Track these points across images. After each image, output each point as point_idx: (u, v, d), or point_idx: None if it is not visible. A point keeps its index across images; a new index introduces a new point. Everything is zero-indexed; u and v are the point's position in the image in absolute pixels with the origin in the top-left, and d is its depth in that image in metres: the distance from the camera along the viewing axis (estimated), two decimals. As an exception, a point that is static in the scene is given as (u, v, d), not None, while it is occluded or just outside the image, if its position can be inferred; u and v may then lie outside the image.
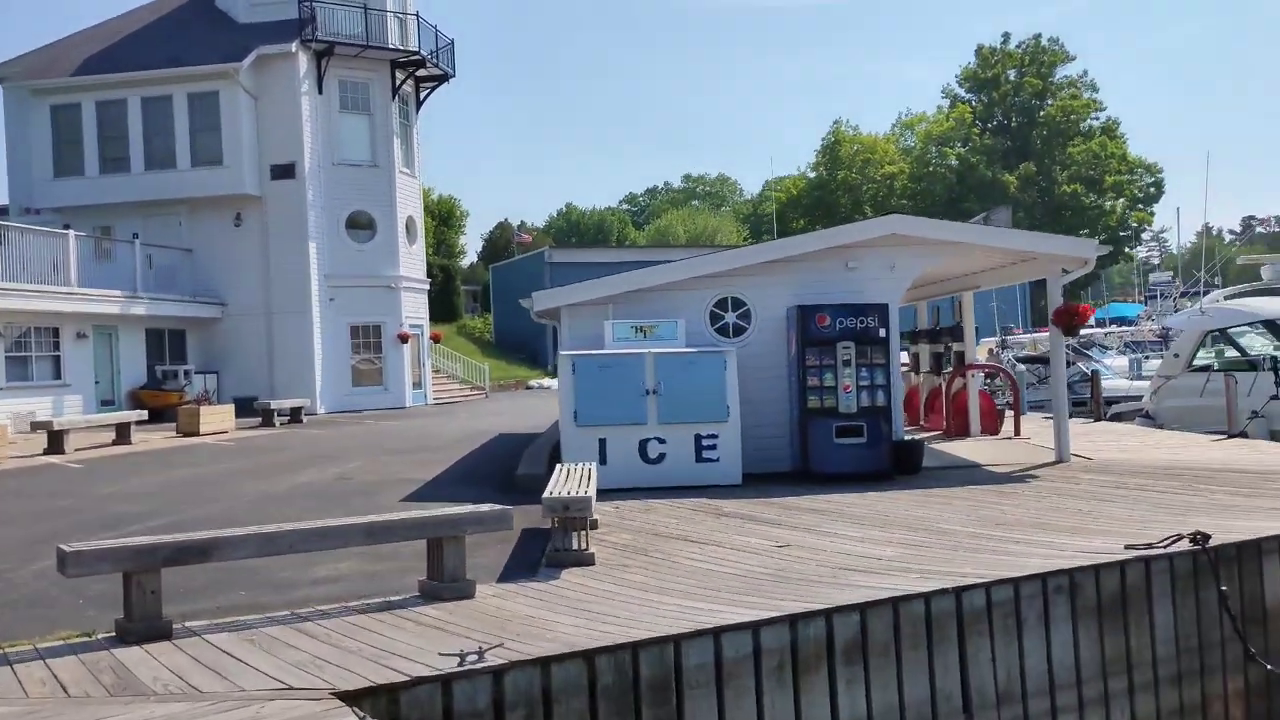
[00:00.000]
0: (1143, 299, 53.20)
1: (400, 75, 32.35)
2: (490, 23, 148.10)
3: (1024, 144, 73.42)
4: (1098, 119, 75.16)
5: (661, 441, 12.82)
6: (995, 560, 7.92)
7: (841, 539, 9.22)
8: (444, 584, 7.48)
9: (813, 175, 75.61)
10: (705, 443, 12.86)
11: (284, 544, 7.03)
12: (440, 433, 22.41)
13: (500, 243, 77.07)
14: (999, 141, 73.59)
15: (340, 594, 7.73)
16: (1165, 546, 7.89)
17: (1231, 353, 18.71)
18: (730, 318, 13.99)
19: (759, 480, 12.93)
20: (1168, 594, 7.78)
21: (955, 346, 17.62)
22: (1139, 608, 7.67)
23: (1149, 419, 19.79)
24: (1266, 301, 18.02)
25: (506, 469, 15.18)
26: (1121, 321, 44.70)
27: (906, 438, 13.48)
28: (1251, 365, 17.37)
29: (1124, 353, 33.74)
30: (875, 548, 8.73)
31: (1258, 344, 18.68)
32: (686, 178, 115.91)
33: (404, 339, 31.80)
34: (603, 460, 12.72)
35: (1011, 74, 74.66)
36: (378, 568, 8.65)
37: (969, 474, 13.27)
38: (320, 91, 30.87)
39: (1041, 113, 74.15)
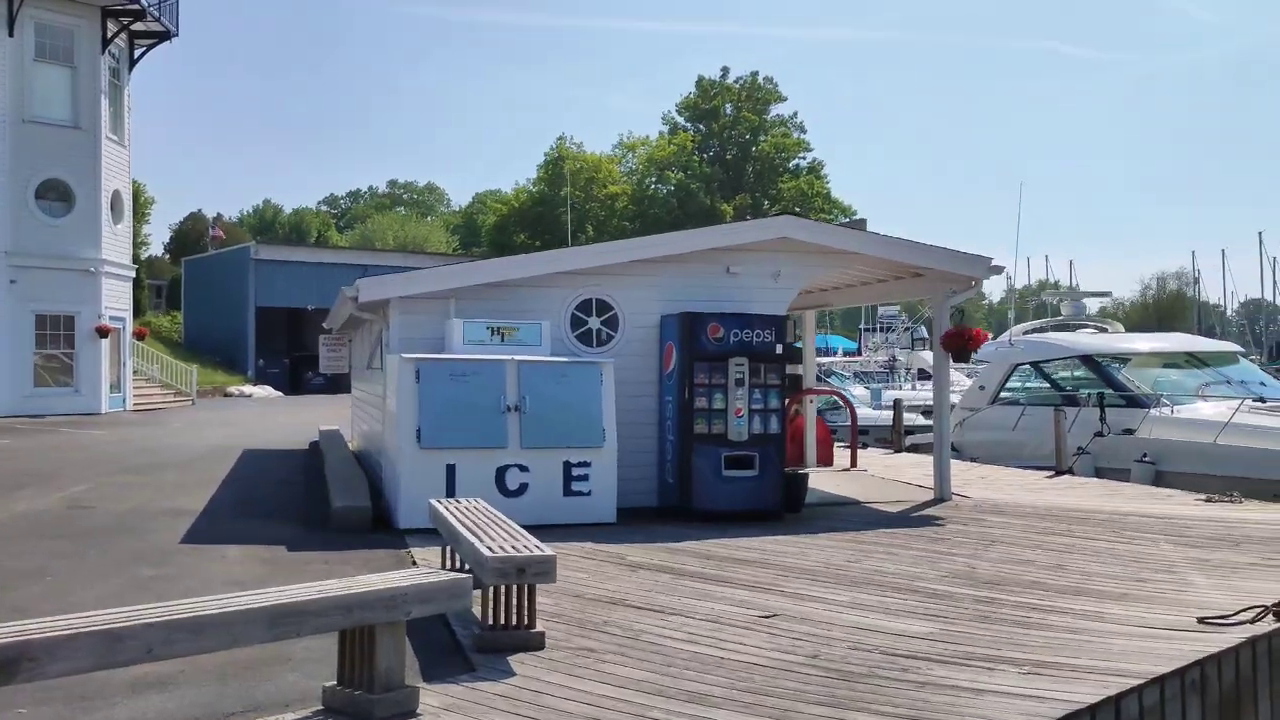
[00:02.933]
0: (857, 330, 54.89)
1: (113, 26, 27.70)
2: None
3: (739, 176, 75.24)
4: (804, 159, 78.26)
5: (524, 470, 10.45)
6: (1074, 642, 6.24)
7: (828, 605, 7.29)
8: (374, 694, 4.93)
9: (534, 190, 74.02)
10: (576, 472, 10.61)
11: (136, 648, 4.25)
12: (167, 447, 18.66)
13: (192, 236, 70.40)
14: (716, 171, 75.00)
15: (188, 709, 5.02)
16: (1254, 620, 6.50)
17: (1041, 386, 18.44)
18: (594, 323, 11.80)
19: (632, 518, 10.82)
20: (1268, 679, 6.38)
21: (790, 369, 16.20)
22: (1248, 700, 6.21)
23: (955, 452, 19.22)
24: (1083, 337, 17.91)
25: (303, 499, 12.26)
26: (829, 352, 45.73)
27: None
28: (1070, 400, 17.04)
29: (859, 382, 34.11)
30: (888, 619, 6.87)
31: (1070, 379, 18.51)
32: (392, 183, 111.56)
33: (104, 333, 27.10)
34: (450, 491, 10.21)
35: (729, 108, 76.40)
36: (232, 659, 5.84)
37: (860, 513, 11.76)
38: (10, 34, 25.83)
39: (755, 148, 76.26)
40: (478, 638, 6.17)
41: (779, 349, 11.30)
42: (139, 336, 31.18)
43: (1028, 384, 19.03)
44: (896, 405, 19.94)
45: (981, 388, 19.33)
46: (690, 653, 6.09)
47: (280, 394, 43.34)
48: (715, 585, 7.94)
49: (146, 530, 10.07)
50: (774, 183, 74.99)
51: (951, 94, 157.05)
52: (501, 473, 10.39)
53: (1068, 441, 15.90)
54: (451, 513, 7.64)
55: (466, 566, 7.67)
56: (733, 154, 76.60)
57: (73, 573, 8.19)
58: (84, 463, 15.90)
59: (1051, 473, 15.45)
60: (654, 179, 74.89)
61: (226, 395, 41.44)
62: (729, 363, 11.10)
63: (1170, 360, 17.68)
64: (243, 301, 47.80)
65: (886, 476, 14.97)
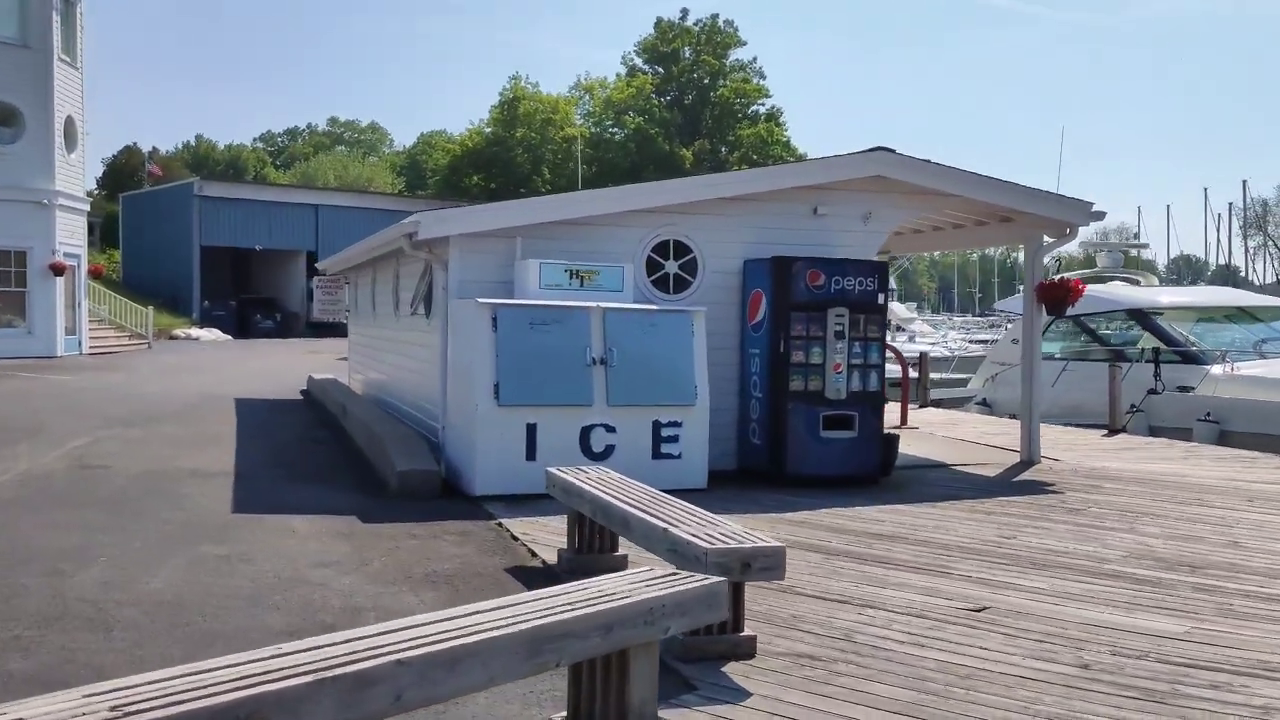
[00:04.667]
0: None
1: (64, -63, 25.58)
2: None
3: (697, 121, 73.77)
4: (764, 106, 76.97)
5: (610, 430, 9.32)
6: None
7: (1029, 593, 6.32)
8: (628, 733, 3.85)
9: (488, 131, 71.84)
10: (666, 433, 9.51)
11: (384, 695, 3.10)
12: (146, 395, 17.19)
13: (126, 171, 67.32)
14: (675, 116, 73.49)
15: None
16: None
17: (1085, 342, 17.64)
18: (672, 266, 10.65)
19: (719, 482, 9.77)
20: None
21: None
22: None
23: (985, 406, 18.46)
24: (1127, 289, 17.09)
25: (344, 459, 11.09)
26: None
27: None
28: (1118, 356, 16.27)
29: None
30: (1118, 613, 5.93)
31: (1116, 334, 17.74)
32: (333, 121, 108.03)
33: (58, 270, 25.23)
34: (530, 454, 9.09)
35: (688, 51, 74.74)
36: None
37: (954, 477, 10.83)
38: (-47, -58, 23.67)
39: (714, 93, 74.78)
40: (680, 644, 5.09)
41: (881, 298, 10.26)
42: (94, 275, 29.26)
43: (1067, 339, 18.23)
44: (924, 358, 19.09)
45: (1015, 341, 18.45)
46: (934, 661, 5.07)
47: (229, 337, 41.49)
48: (877, 567, 6.94)
49: (181, 496, 8.80)
50: (732, 129, 73.69)
51: (909, 45, 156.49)
52: (586, 433, 9.27)
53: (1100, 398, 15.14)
54: (590, 484, 6.53)
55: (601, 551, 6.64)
56: (691, 98, 75.01)
57: (125, 551, 6.94)
58: (65, 412, 14.43)
59: (1105, 432, 14.70)
60: (611, 123, 73.15)
61: (172, 338, 39.48)
62: (828, 313, 10.03)
63: (1218, 315, 17.00)
64: (186, 240, 45.65)
65: (948, 435, 14.07)
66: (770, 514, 8.62)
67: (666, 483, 9.33)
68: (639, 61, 75.79)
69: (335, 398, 14.96)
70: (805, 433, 10.01)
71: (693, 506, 5.98)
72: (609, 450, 9.31)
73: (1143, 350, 16.21)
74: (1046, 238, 11.59)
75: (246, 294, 48.52)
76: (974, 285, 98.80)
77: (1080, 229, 11.54)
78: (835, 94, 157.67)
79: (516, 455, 9.07)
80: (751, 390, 10.48)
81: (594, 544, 6.75)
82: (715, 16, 75.16)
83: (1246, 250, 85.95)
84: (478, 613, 3.66)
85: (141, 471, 9.93)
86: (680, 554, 5.12)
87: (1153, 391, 15.59)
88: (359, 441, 11.92)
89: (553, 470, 7.06)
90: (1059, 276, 11.83)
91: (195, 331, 41.81)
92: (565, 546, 6.88)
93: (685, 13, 74.86)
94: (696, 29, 74.87)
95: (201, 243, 45.23)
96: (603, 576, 4.32)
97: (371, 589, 6.19)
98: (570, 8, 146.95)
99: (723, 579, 4.35)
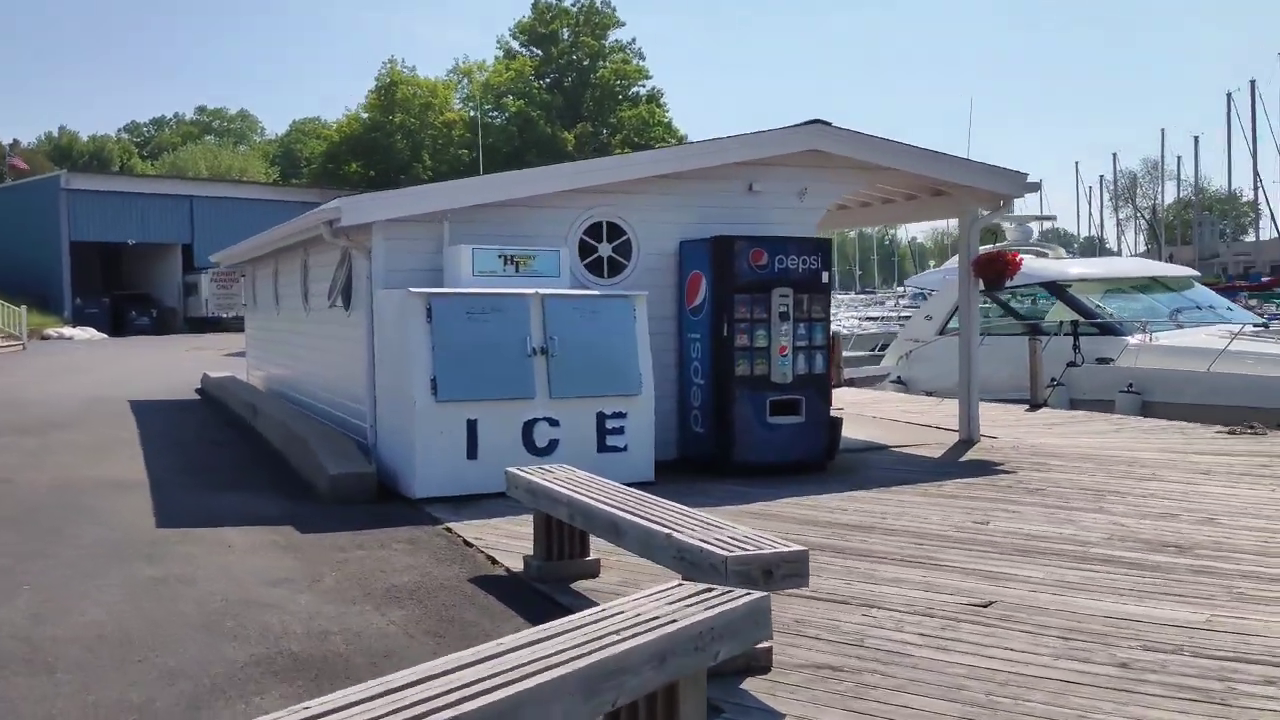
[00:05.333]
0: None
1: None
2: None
3: (578, 103, 73.04)
4: (644, 87, 76.60)
5: (553, 423, 8.82)
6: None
7: (1028, 584, 6.07)
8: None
9: (366, 117, 69.91)
10: (610, 425, 9.05)
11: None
12: (31, 400, 15.99)
13: (-16, 165, 63.69)
14: (555, 98, 72.63)
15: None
16: None
17: (999, 316, 17.70)
18: (605, 249, 10.17)
19: (665, 474, 9.35)
20: None
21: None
22: None
23: (901, 384, 18.43)
24: (1042, 262, 17.17)
25: (261, 463, 10.37)
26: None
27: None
28: (1034, 330, 16.34)
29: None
30: (1128, 602, 5.69)
31: (1031, 307, 17.83)
32: (201, 110, 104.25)
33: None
34: (471, 453, 8.55)
35: (566, 33, 73.91)
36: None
37: (899, 459, 10.62)
38: None
39: (595, 74, 74.12)
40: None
41: (825, 277, 9.94)
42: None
43: (982, 314, 18.25)
44: (836, 338, 18.95)
45: (928, 318, 18.49)
46: (963, 667, 4.74)
47: (104, 336, 39.51)
48: (860, 561, 6.62)
49: (99, 510, 8.03)
50: (614, 111, 73.16)
51: (782, 25, 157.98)
52: (529, 428, 8.75)
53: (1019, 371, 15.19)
54: (562, 485, 6.04)
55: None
56: (571, 80, 74.20)
57: (50, 578, 6.22)
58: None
59: (1027, 406, 14.73)
60: (491, 107, 71.93)
61: (44, 338, 37.42)
62: (772, 294, 9.67)
63: (1127, 286, 17.22)
64: (54, 235, 43.35)
65: (877, 415, 13.91)
66: (727, 506, 8.20)
67: (612, 477, 8.86)
68: (516, 44, 74.69)
69: (240, 396, 14.08)
70: (752, 419, 9.66)
71: (682, 506, 5.56)
72: (553, 445, 8.81)
73: (1061, 323, 16.30)
74: (981, 210, 11.43)
75: (120, 290, 46.31)
76: (853, 263, 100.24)
77: (1015, 200, 11.42)
78: (714, 74, 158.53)
79: (457, 454, 8.52)
80: (693, 377, 10.07)
81: (564, 549, 6.27)
82: (593, -4, 74.43)
83: (1118, 222, 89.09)
84: (517, 649, 3.16)
85: (49, 485, 9.08)
86: (690, 562, 4.69)
87: (1072, 364, 15.70)
88: (275, 443, 11.17)
89: (515, 470, 6.56)
90: (993, 248, 11.68)
91: (68, 331, 39.72)
92: (532, 553, 6.37)
93: (564, -7, 73.96)
94: (575, 10, 74.05)
95: (71, 238, 43.04)
96: (632, 598, 3.85)
97: (332, 609, 5.60)
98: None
99: (764, 594, 3.91)
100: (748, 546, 4.59)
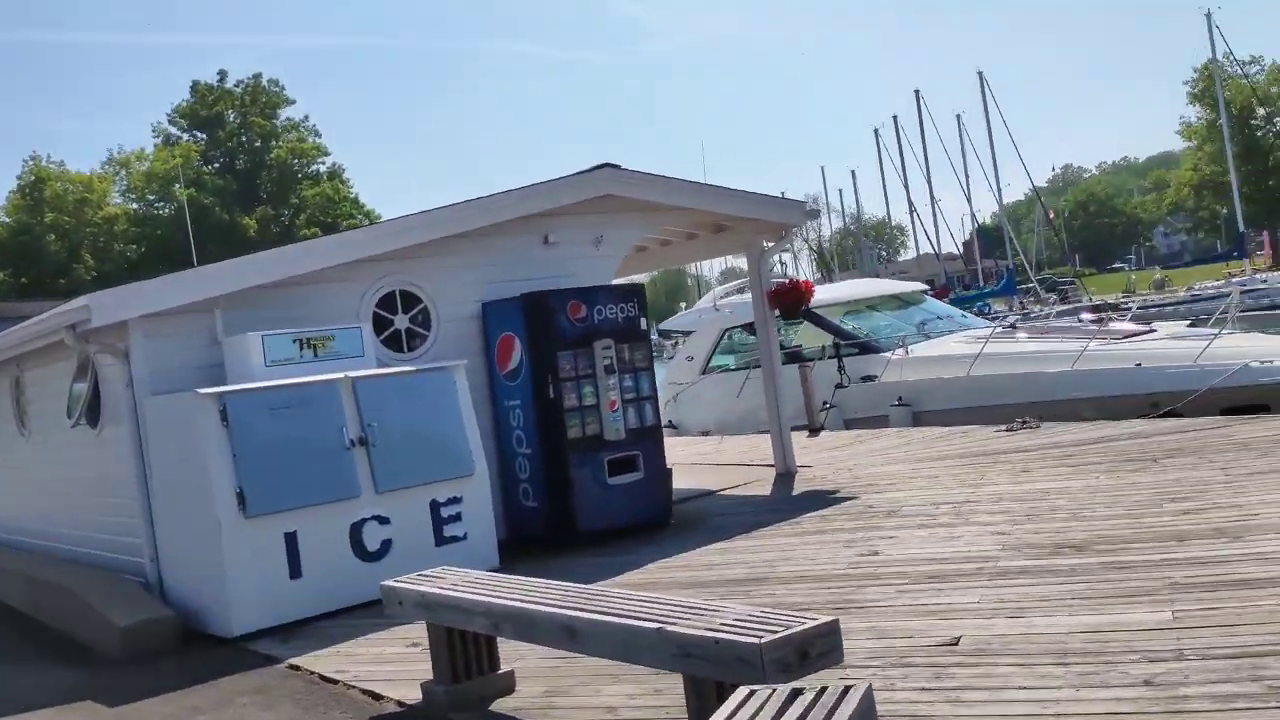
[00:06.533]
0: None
1: None
2: None
3: (254, 186, 69.74)
4: (324, 164, 74.28)
5: (383, 521, 7.70)
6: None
7: (975, 614, 5.69)
8: None
9: (10, 220, 63.47)
10: (446, 512, 8.02)
11: None
12: None
13: None
14: (229, 182, 68.97)
15: None
16: None
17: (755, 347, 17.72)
18: (402, 321, 9.13)
19: (505, 558, 8.41)
20: None
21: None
22: None
23: (672, 427, 18.14)
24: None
25: (11, 620, 8.51)
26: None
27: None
28: (795, 357, 16.49)
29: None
30: (1086, 612, 5.42)
31: (789, 336, 18.00)
32: None
33: None
34: (294, 571, 7.32)
35: (232, 114, 70.53)
36: None
37: (734, 503, 10.19)
38: None
39: (269, 155, 71.11)
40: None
41: (643, 323, 9.37)
42: None
43: (745, 347, 18.30)
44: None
45: (689, 359, 18.33)
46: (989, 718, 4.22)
47: None
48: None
49: None
50: (294, 190, 70.42)
51: (443, 93, 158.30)
52: (357, 530, 7.59)
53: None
54: (470, 589, 5.08)
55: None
56: (244, 163, 70.79)
57: None
58: None
59: (807, 432, 14.77)
60: (157, 197, 67.34)
61: None
62: (594, 347, 8.98)
63: (861, 306, 17.73)
64: None
65: (672, 462, 13.43)
66: (599, 581, 7.41)
67: (459, 571, 7.91)
68: (175, 130, 70.46)
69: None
70: (591, 482, 8.90)
71: (630, 592, 4.76)
72: (386, 546, 7.70)
73: (823, 347, 16.53)
74: (766, 242, 11.25)
75: None
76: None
77: (794, 229, 11.33)
78: (391, 144, 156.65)
79: (278, 575, 7.24)
80: (516, 447, 9.20)
81: (472, 666, 5.30)
82: (258, 76, 71.60)
83: (794, 254, 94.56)
84: None
85: None
86: (700, 659, 3.88)
87: (840, 385, 15.92)
88: (13, 599, 9.28)
89: (395, 584, 5.53)
90: (785, 279, 11.54)
91: None
92: (431, 677, 5.34)
93: (224, 74, 70.67)
94: (239, 90, 70.88)
95: None
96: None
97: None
98: (76, 81, 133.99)
99: (866, 683, 3.20)
100: (776, 629, 3.85)
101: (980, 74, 54.62)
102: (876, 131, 63.93)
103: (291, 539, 7.31)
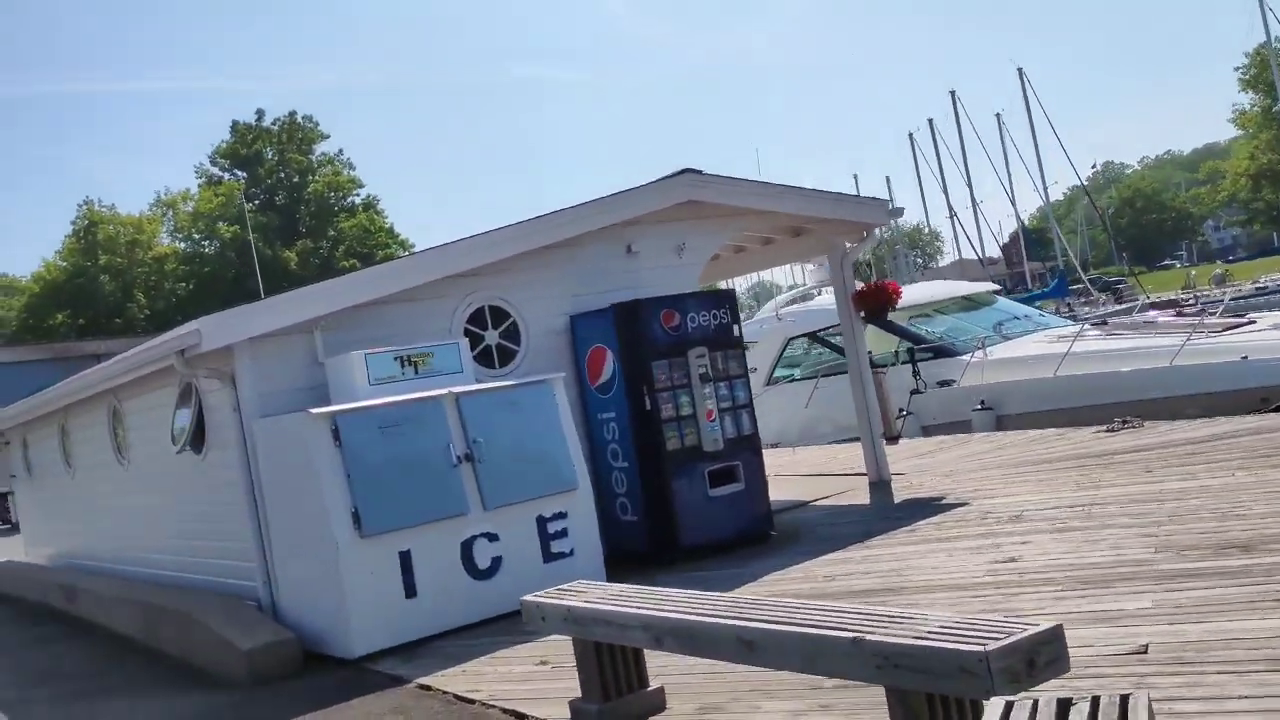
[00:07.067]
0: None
1: None
2: None
3: (294, 221, 70.52)
4: (359, 196, 74.99)
5: (492, 539, 7.62)
6: None
7: (1141, 619, 5.49)
8: None
9: (66, 264, 64.50)
10: (552, 528, 7.92)
11: None
12: None
13: None
14: (271, 218, 69.74)
15: None
16: None
17: (828, 356, 17.55)
18: (492, 336, 9.08)
19: (610, 572, 8.28)
20: None
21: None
22: None
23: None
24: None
25: (116, 652, 8.50)
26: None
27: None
28: (869, 364, 16.24)
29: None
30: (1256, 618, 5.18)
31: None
32: None
33: None
34: (410, 590, 7.24)
35: (270, 152, 71.42)
36: None
37: (832, 513, 10.02)
38: None
39: (307, 190, 71.89)
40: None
41: (736, 330, 9.25)
42: None
43: (809, 356, 18.11)
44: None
45: (753, 370, 18.13)
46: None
47: None
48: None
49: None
50: (332, 223, 71.14)
51: (475, 124, 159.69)
52: (468, 548, 7.51)
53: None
54: (611, 602, 4.96)
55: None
56: (283, 198, 71.60)
57: None
58: None
59: (885, 441, 14.51)
60: (203, 235, 68.22)
61: None
62: (689, 355, 8.87)
63: (930, 310, 17.49)
64: None
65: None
66: (721, 594, 7.27)
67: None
68: (217, 170, 71.45)
69: (37, 579, 11.87)
70: (693, 495, 8.76)
71: (804, 601, 4.61)
72: (496, 563, 7.62)
73: (896, 352, 16.30)
74: (848, 243, 11.11)
75: None
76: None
77: (877, 230, 11.18)
78: (428, 175, 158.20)
79: (394, 594, 7.18)
80: (611, 461, 9.09)
81: (622, 683, 5.16)
82: (293, 113, 72.48)
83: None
84: None
85: None
86: (918, 671, 3.63)
87: (916, 391, 15.67)
88: (126, 627, 9.27)
89: (537, 599, 5.40)
90: (874, 283, 11.35)
91: None
92: (580, 695, 5.21)
93: (261, 113, 71.58)
94: (276, 128, 71.80)
95: None
96: None
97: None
98: (125, 126, 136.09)
99: (1144, 692, 3.03)
100: (999, 635, 3.63)
101: (1020, 70, 54.23)
102: (911, 136, 63.45)
103: (405, 558, 7.24)
